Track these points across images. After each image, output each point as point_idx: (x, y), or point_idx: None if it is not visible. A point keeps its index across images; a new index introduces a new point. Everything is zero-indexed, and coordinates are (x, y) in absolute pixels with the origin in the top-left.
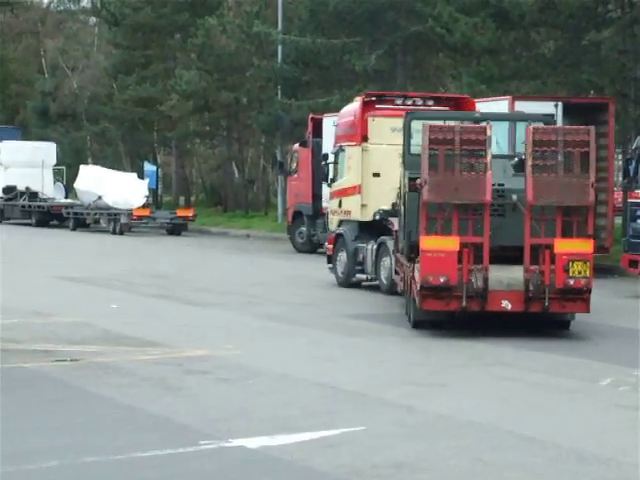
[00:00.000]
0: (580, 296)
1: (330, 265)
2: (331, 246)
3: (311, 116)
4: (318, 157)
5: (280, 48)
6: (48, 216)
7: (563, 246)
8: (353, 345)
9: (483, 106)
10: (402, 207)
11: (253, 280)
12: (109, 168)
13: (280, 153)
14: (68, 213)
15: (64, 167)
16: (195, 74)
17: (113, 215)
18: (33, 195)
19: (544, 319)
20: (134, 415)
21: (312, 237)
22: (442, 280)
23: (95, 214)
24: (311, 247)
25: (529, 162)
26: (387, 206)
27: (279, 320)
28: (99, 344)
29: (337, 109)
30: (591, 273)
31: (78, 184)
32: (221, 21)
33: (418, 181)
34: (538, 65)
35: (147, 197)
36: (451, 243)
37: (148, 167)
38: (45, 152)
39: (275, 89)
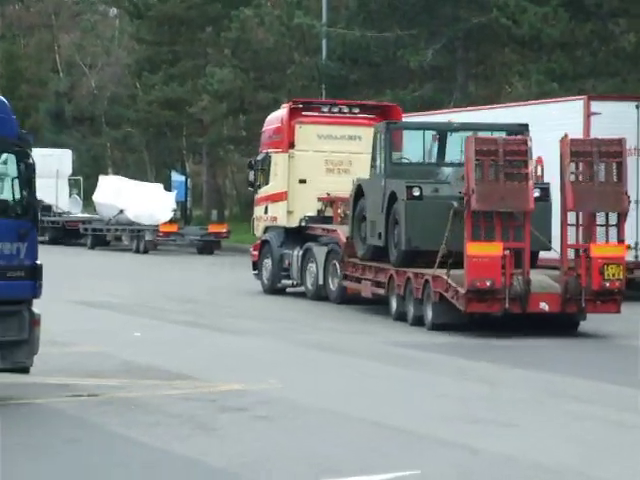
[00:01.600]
0: (613, 297)
1: (255, 271)
2: (256, 253)
3: None
4: None
5: (324, 42)
6: (63, 232)
7: (599, 250)
8: (404, 377)
9: (555, 107)
10: (386, 215)
11: (295, 305)
12: (132, 178)
13: None
14: (86, 229)
15: (81, 177)
16: (229, 72)
17: (136, 231)
18: (46, 209)
19: (556, 320)
20: (161, 458)
21: None
22: (488, 284)
23: (116, 230)
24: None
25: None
26: (313, 212)
27: (323, 349)
28: (121, 377)
29: None
30: (624, 275)
31: (97, 197)
32: (258, 12)
33: (464, 190)
34: (617, 61)
35: (175, 211)
36: (495, 249)
37: (176, 177)
38: (59, 160)
39: (319, 89)
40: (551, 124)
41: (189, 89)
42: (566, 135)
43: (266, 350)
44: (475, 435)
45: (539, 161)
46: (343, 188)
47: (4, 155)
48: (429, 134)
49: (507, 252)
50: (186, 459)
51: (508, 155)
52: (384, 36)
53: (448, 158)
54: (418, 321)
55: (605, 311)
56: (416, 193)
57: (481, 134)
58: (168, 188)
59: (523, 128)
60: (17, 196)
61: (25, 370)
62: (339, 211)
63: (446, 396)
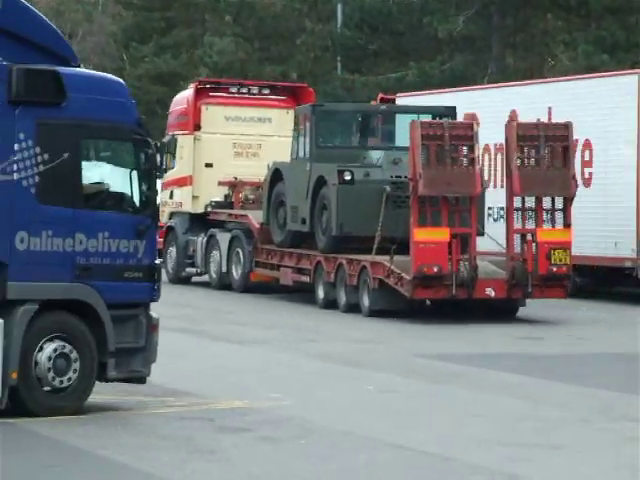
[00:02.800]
0: (559, 282)
1: (160, 260)
2: (162, 240)
3: (380, 96)
4: None
5: (340, 8)
6: None
7: (545, 235)
8: (436, 394)
9: (605, 82)
10: (312, 200)
11: (305, 310)
12: None
13: None
14: None
15: None
16: (230, 42)
17: None
18: None
19: (495, 307)
20: None
21: None
22: (435, 270)
23: None
24: None
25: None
26: (220, 197)
27: (339, 361)
28: (106, 393)
29: (414, 87)
30: (570, 260)
31: None
32: None
33: (409, 175)
34: None
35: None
36: (442, 234)
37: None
38: None
39: (334, 61)
40: (600, 103)
41: (184, 61)
42: (512, 119)
43: (273, 362)
44: (517, 461)
45: (587, 145)
46: (252, 172)
47: (122, 144)
48: (355, 118)
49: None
50: None
51: (454, 140)
52: (408, 0)
53: (374, 142)
54: (351, 308)
55: (552, 296)
56: (347, 177)
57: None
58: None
59: (450, 111)
60: (136, 189)
61: (142, 380)
62: (240, 195)
63: (482, 416)
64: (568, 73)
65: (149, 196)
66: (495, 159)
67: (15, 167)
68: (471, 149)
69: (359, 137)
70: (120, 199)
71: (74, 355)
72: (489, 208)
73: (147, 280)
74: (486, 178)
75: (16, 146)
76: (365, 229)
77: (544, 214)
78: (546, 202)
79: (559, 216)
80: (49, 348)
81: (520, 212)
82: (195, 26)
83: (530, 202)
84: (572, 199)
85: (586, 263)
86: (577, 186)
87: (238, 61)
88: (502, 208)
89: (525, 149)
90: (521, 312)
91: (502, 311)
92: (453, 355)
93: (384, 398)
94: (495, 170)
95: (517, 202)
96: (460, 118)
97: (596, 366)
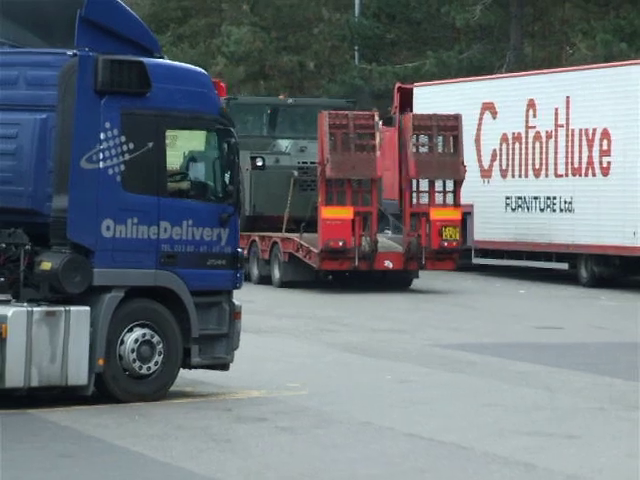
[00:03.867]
0: (450, 256)
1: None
2: None
3: (398, 85)
4: None
5: None
6: None
7: (437, 214)
8: (453, 384)
9: (623, 71)
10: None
11: (325, 300)
12: None
13: None
14: None
15: None
16: (248, 31)
17: None
18: None
19: (392, 279)
20: (169, 476)
21: None
22: (340, 244)
23: None
24: None
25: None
26: None
27: (357, 351)
28: None
29: (432, 76)
30: (460, 236)
31: None
32: None
33: (317, 160)
34: None
35: None
36: (346, 212)
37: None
38: None
39: (351, 50)
40: (618, 92)
41: (202, 51)
42: (409, 111)
43: (291, 351)
44: (533, 450)
45: (605, 134)
46: (170, 161)
47: (205, 134)
48: (265, 110)
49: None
50: (198, 477)
51: (358, 128)
52: None
53: (283, 132)
54: (263, 280)
55: (443, 268)
56: (259, 163)
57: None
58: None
59: (351, 104)
60: (219, 178)
61: (225, 367)
62: None
63: (499, 405)
64: (586, 62)
65: (232, 185)
66: (513, 148)
67: (101, 156)
68: (372, 137)
69: (269, 127)
70: (203, 188)
71: (159, 342)
72: (507, 198)
73: (230, 268)
74: (504, 168)
75: (102, 135)
76: (275, 209)
77: (437, 195)
78: (438, 185)
79: (450, 197)
80: (134, 335)
81: (415, 193)
82: (212, 15)
83: (424, 185)
84: (461, 182)
85: (604, 252)
86: (466, 171)
87: (255, 50)
88: (520, 197)
89: (420, 137)
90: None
91: (399, 282)
92: (468, 345)
93: (401, 388)
94: (513, 159)
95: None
96: (478, 109)
97: (613, 355)
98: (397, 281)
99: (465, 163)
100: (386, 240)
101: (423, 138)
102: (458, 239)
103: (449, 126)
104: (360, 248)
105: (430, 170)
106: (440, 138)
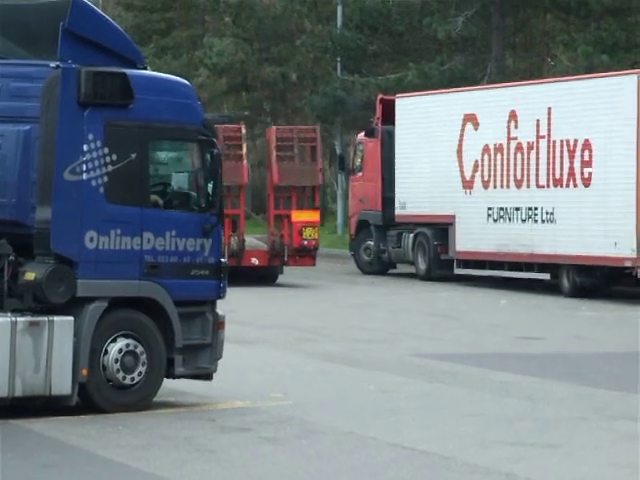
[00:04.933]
0: (309, 253)
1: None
2: None
3: (380, 97)
4: (389, 150)
5: (340, 9)
6: None
7: (298, 216)
8: (435, 394)
9: (604, 82)
10: None
11: (306, 310)
12: None
13: (340, 145)
14: None
15: None
16: (230, 43)
17: None
18: None
19: (261, 275)
20: None
21: (382, 254)
22: None
23: None
24: (380, 267)
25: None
26: None
27: (339, 361)
28: None
29: (414, 87)
30: (318, 235)
31: None
32: None
33: None
34: None
35: None
36: None
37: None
38: None
39: (334, 62)
40: (599, 103)
41: (184, 62)
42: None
43: (273, 362)
44: (514, 460)
45: (586, 145)
46: None
47: (188, 144)
48: None
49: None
50: None
51: (227, 140)
52: (408, 1)
53: None
54: None
55: (303, 264)
56: None
57: None
58: (159, 177)
59: (224, 119)
60: (202, 189)
61: (208, 377)
62: None
63: (480, 415)
64: (568, 73)
65: (215, 195)
66: (495, 159)
67: (84, 167)
68: (240, 148)
69: None
70: (186, 198)
71: (142, 352)
72: (489, 208)
73: (213, 278)
74: (486, 179)
75: (85, 147)
76: None
77: (297, 199)
78: (299, 190)
79: (309, 201)
80: (118, 345)
81: (279, 198)
82: (195, 27)
83: (287, 190)
84: (319, 187)
85: (586, 263)
86: (324, 177)
87: (238, 62)
88: (502, 208)
89: (282, 148)
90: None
91: (266, 277)
92: (450, 355)
93: (384, 398)
94: (495, 170)
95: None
96: (460, 120)
97: (594, 365)
98: (264, 277)
99: (321, 169)
100: (253, 240)
101: (285, 149)
102: (317, 238)
103: (308, 138)
104: (229, 247)
105: (291, 177)
106: (299, 149)
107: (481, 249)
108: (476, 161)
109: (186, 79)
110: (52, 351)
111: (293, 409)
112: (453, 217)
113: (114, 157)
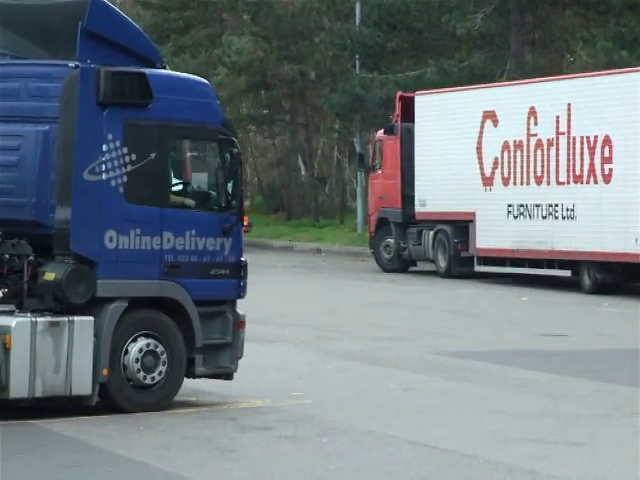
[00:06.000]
0: None
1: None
2: None
3: (399, 94)
4: (408, 147)
5: (358, 6)
6: None
7: None
8: (456, 391)
9: (624, 78)
10: None
11: (326, 308)
12: None
13: (360, 143)
14: None
15: None
16: (248, 41)
17: None
18: None
19: None
20: None
21: (402, 252)
22: None
23: None
24: (400, 264)
25: None
26: None
27: (359, 360)
28: None
29: (433, 84)
30: None
31: None
32: None
33: None
34: None
35: None
36: None
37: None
38: None
39: (352, 60)
40: (619, 99)
41: (203, 61)
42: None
43: (293, 360)
44: (536, 458)
45: (606, 141)
46: None
47: (208, 144)
48: None
49: None
50: None
51: None
52: None
53: None
54: None
55: None
56: None
57: None
58: (179, 175)
59: None
60: (221, 188)
61: (229, 376)
62: None
63: (502, 412)
64: (587, 69)
65: (235, 194)
66: (515, 156)
67: (104, 167)
68: None
69: None
70: (206, 198)
71: (162, 352)
72: (509, 205)
73: (233, 277)
74: (506, 176)
75: (104, 147)
76: None
77: None
78: None
79: None
80: (138, 345)
81: None
82: (213, 25)
83: None
84: None
85: (607, 259)
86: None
87: (256, 60)
88: (522, 205)
89: None
90: None
91: None
92: (471, 352)
93: (404, 396)
94: (515, 167)
95: None
96: (479, 117)
97: (616, 362)
98: None
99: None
100: None
101: None
102: None
103: None
104: None
105: None
106: None
107: (501, 246)
108: (496, 158)
109: (205, 78)
110: (72, 351)
111: (313, 408)
112: (473, 214)
113: (133, 157)
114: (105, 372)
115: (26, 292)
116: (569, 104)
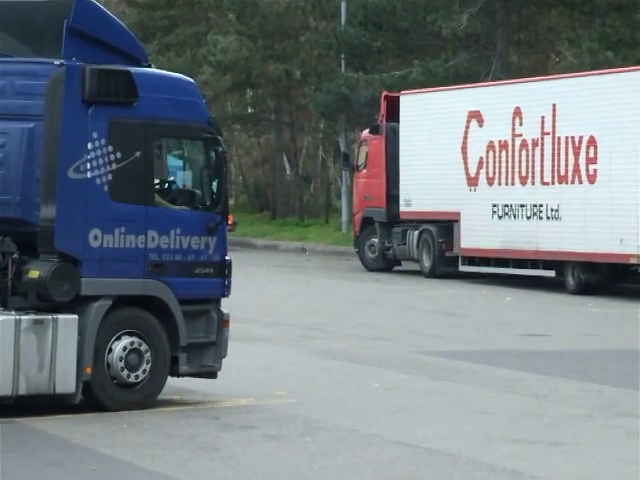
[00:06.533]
0: None
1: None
2: None
3: (385, 94)
4: (394, 147)
5: (344, 6)
6: None
7: None
8: (440, 391)
9: (608, 79)
10: None
11: (310, 307)
12: None
13: (345, 142)
14: None
15: None
16: (234, 40)
17: None
18: None
19: None
20: None
21: (386, 251)
22: None
23: None
24: (385, 264)
25: None
26: None
27: (344, 359)
28: None
29: (418, 84)
30: None
31: None
32: None
33: None
34: None
35: None
36: None
37: (172, 162)
38: None
39: (338, 59)
40: (604, 100)
41: (188, 60)
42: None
43: (277, 359)
44: (520, 457)
45: (591, 142)
46: None
47: (192, 143)
48: None
49: None
50: None
51: None
52: None
53: None
54: None
55: None
56: None
57: None
58: (163, 175)
59: None
60: (206, 187)
61: (213, 375)
62: None
63: (486, 412)
64: (572, 70)
65: (220, 193)
66: (499, 156)
67: (88, 165)
68: None
69: None
70: (191, 196)
71: (146, 350)
72: (494, 205)
73: (218, 276)
74: (491, 176)
75: (89, 145)
76: None
77: None
78: None
79: None
80: (122, 343)
81: None
82: (199, 24)
83: None
84: None
85: (591, 260)
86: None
87: (242, 59)
88: (507, 205)
89: None
90: None
91: None
92: (455, 352)
93: (388, 395)
94: (500, 167)
95: None
96: (465, 117)
97: (600, 362)
98: None
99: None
100: None
101: None
102: None
103: None
104: None
105: None
106: None
107: (486, 246)
108: (481, 158)
109: (190, 76)
110: (56, 349)
111: (297, 407)
112: (458, 214)
113: (118, 155)
114: (89, 370)
115: (10, 290)
116: (554, 104)
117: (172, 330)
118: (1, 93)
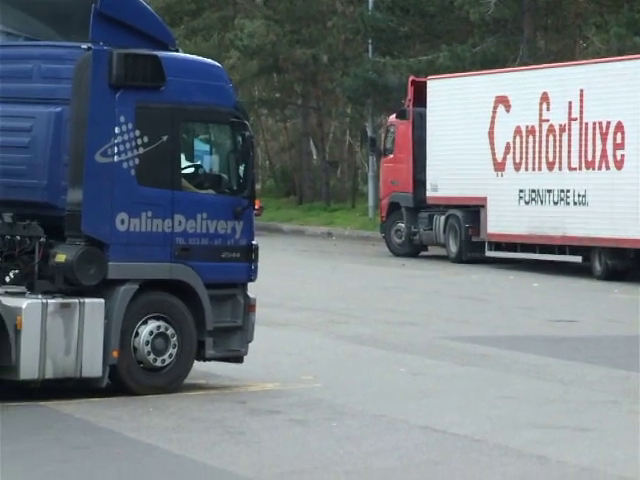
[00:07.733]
0: None
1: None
2: None
3: (412, 79)
4: (420, 132)
5: None
6: None
7: None
8: (467, 376)
9: (635, 64)
10: None
11: (337, 292)
12: None
13: (371, 127)
14: None
15: None
16: (261, 25)
17: None
18: None
19: None
20: (182, 468)
21: (413, 236)
22: None
23: None
24: (412, 249)
25: None
26: None
27: (370, 344)
28: None
29: (445, 69)
30: None
31: None
32: None
33: None
34: None
35: None
36: None
37: (199, 146)
38: None
39: (365, 44)
40: (632, 85)
41: (215, 44)
42: None
43: (303, 344)
44: (546, 443)
45: (619, 128)
46: None
47: (219, 127)
48: None
49: None
50: (211, 469)
51: None
52: None
53: None
54: None
55: None
56: None
57: None
58: (190, 159)
59: None
60: (233, 171)
61: (239, 359)
62: None
63: (512, 398)
64: (600, 55)
65: (247, 177)
66: (526, 141)
67: (115, 150)
68: None
69: None
70: (218, 181)
71: (173, 334)
72: (520, 190)
73: (244, 260)
74: (518, 161)
75: (116, 129)
76: None
77: None
78: None
79: None
80: (148, 327)
81: None
82: (226, 9)
83: None
84: None
85: (618, 245)
86: None
87: (269, 44)
88: (533, 190)
89: None
90: None
91: None
92: (481, 337)
93: (414, 380)
94: (527, 152)
95: None
96: (492, 102)
97: (627, 348)
98: None
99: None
100: None
101: None
102: None
103: None
104: None
105: None
106: None
107: (513, 231)
108: (508, 143)
109: (217, 61)
110: (83, 333)
111: (323, 392)
112: (484, 199)
113: (145, 139)
114: (115, 354)
115: (37, 274)
116: (581, 90)
117: (199, 314)
118: (28, 77)
